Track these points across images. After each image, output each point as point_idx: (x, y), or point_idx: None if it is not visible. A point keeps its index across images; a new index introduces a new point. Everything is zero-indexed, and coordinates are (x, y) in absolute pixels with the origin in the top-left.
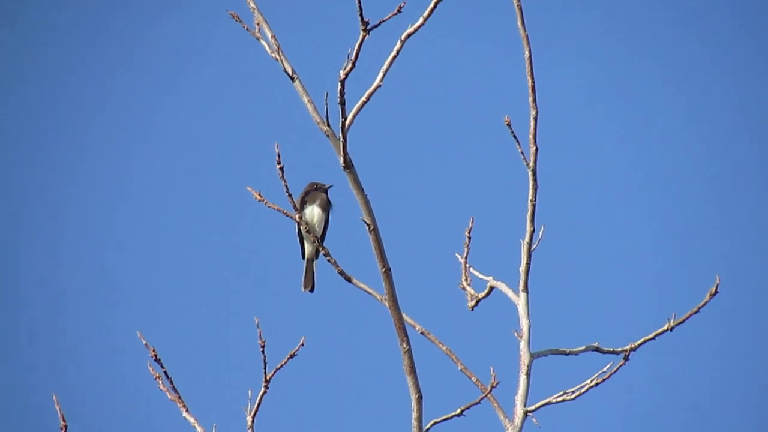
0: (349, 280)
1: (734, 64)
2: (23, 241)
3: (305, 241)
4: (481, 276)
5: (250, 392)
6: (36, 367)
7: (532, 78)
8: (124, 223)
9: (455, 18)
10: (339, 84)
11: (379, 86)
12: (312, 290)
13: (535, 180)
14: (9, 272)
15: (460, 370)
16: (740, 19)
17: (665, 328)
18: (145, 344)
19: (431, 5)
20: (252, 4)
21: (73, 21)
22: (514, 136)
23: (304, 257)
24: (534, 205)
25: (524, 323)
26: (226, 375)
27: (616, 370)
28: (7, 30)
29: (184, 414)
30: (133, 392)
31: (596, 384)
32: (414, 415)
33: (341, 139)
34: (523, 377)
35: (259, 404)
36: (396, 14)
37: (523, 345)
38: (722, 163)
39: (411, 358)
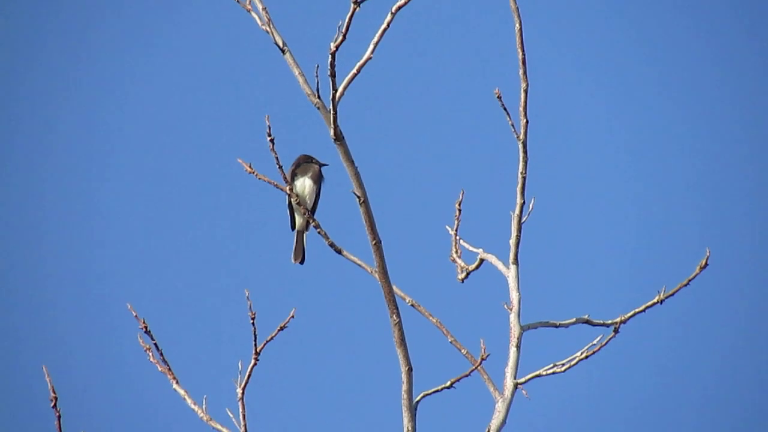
0: (339, 252)
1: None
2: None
3: (295, 213)
4: (471, 248)
5: (240, 364)
6: (25, 344)
7: (523, 51)
8: (116, 194)
9: None
10: (329, 56)
11: (369, 58)
12: (302, 262)
13: (525, 152)
14: None
15: (450, 342)
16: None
17: (655, 300)
18: (135, 316)
19: None
20: None
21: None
22: (505, 109)
23: (293, 229)
24: (524, 178)
25: (514, 295)
26: (216, 347)
27: (606, 342)
28: None
29: (174, 386)
30: (123, 365)
31: (586, 356)
32: (404, 387)
33: (332, 112)
34: (513, 349)
35: (249, 376)
36: None
37: (513, 317)
38: (717, 134)
39: (401, 330)
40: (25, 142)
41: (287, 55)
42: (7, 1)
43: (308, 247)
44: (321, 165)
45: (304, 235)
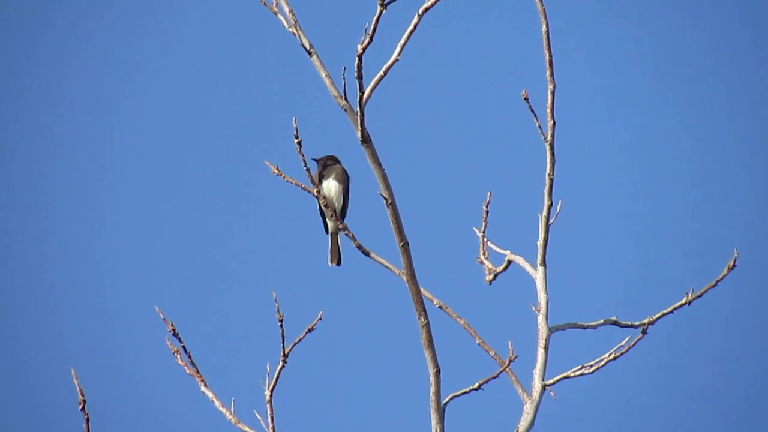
0: (367, 254)
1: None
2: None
3: (326, 216)
4: (498, 250)
5: (268, 366)
6: (53, 345)
7: (550, 52)
8: (146, 198)
9: None
10: (356, 58)
11: (396, 60)
12: (339, 264)
13: (552, 154)
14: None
15: (478, 344)
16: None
17: (683, 301)
18: (164, 319)
19: None
20: None
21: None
22: (532, 110)
23: (327, 232)
24: (551, 179)
25: (542, 297)
26: (245, 349)
27: (635, 343)
28: None
29: (203, 388)
30: (150, 367)
31: (614, 358)
32: (432, 389)
33: (359, 114)
34: (541, 351)
35: (277, 378)
36: None
37: (541, 319)
38: (748, 136)
39: (429, 332)
40: (67, 147)
41: (314, 57)
42: None
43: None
44: (325, 161)
45: (338, 237)
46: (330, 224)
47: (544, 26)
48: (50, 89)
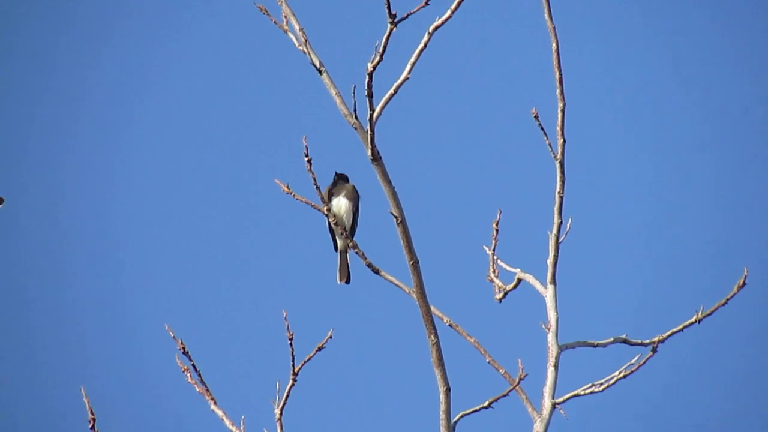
0: (377, 272)
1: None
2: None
3: (336, 234)
4: (508, 268)
5: (278, 385)
6: (63, 362)
7: (560, 70)
8: (155, 216)
9: (482, 9)
10: (367, 76)
11: (407, 78)
12: (348, 282)
13: (562, 172)
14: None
15: (488, 362)
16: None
17: (693, 320)
18: (173, 337)
19: None
20: None
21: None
22: (542, 128)
23: (336, 249)
24: (561, 197)
25: (552, 315)
26: (254, 367)
27: (645, 361)
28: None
29: (212, 407)
30: (160, 385)
31: (625, 376)
32: (442, 407)
33: (369, 132)
34: (551, 369)
35: (287, 397)
36: (423, 7)
37: (550, 337)
38: (755, 152)
39: (439, 350)
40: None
41: (324, 75)
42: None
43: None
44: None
45: (347, 254)
46: (339, 242)
47: (554, 44)
48: (61, 116)
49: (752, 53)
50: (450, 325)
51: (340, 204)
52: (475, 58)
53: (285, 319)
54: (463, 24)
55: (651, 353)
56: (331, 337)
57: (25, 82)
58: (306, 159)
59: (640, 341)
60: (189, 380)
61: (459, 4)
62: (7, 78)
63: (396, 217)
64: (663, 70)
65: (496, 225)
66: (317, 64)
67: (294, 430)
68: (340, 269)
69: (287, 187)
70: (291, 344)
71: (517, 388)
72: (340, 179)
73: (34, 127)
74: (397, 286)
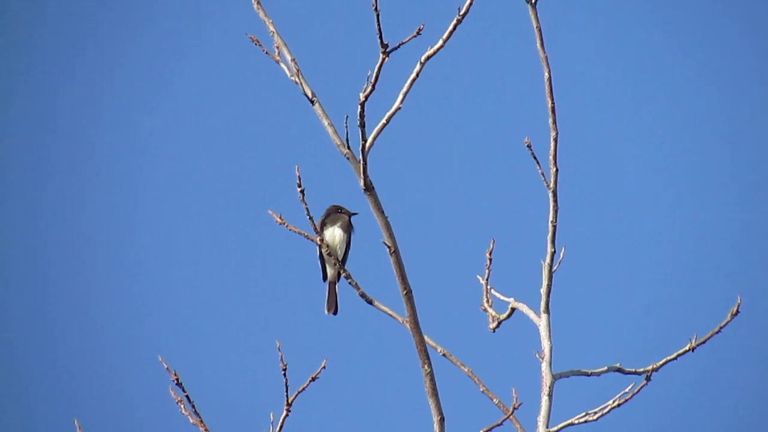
0: (370, 302)
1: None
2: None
3: (326, 264)
4: (502, 297)
5: (272, 415)
6: (55, 390)
7: (552, 99)
8: (148, 244)
9: (474, 38)
10: (359, 107)
11: (399, 108)
12: (335, 313)
13: (555, 201)
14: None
15: (482, 391)
16: None
17: (687, 348)
18: (167, 368)
19: (450, 28)
20: (272, 28)
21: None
22: (534, 158)
23: (325, 280)
24: (555, 227)
25: (546, 344)
26: (248, 398)
27: (639, 390)
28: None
29: None
30: (154, 416)
31: (618, 404)
32: None
33: (361, 162)
34: (545, 398)
35: (281, 427)
36: (415, 36)
37: (544, 366)
38: (752, 181)
39: (433, 380)
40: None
41: (316, 105)
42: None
43: (340, 297)
44: (351, 214)
45: (336, 285)
46: (330, 272)
47: (546, 74)
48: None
49: (753, 53)
50: (444, 355)
51: (335, 234)
52: (467, 86)
53: (278, 349)
54: (455, 53)
55: (645, 382)
56: (324, 368)
57: (31, 90)
58: (299, 189)
59: (633, 370)
60: (183, 411)
61: (451, 33)
62: (12, 86)
63: (389, 246)
64: (659, 88)
65: (490, 254)
66: (309, 94)
67: None
68: (328, 300)
69: (280, 217)
70: (285, 374)
71: (511, 417)
72: (336, 210)
73: (39, 132)
74: (391, 316)
